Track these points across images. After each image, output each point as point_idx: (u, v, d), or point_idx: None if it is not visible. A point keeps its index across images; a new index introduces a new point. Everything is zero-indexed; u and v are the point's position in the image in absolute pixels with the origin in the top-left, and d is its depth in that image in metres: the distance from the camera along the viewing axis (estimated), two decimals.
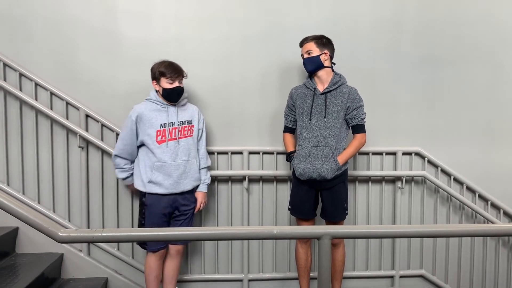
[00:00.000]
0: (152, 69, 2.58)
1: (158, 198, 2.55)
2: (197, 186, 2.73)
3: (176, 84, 2.54)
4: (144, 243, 2.62)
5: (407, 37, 3.10)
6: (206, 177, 2.77)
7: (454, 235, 1.67)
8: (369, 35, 3.07)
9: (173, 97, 2.56)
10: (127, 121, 2.55)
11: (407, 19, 3.09)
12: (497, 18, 3.15)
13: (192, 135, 2.66)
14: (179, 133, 2.59)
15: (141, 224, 2.61)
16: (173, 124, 2.58)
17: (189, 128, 2.65)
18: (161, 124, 2.54)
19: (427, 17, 3.10)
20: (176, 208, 2.62)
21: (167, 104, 2.58)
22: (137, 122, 2.53)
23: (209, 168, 2.83)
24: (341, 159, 2.56)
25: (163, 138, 2.54)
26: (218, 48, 2.99)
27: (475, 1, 3.13)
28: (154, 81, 2.57)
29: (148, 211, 2.56)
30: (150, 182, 2.53)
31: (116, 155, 2.60)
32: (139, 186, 2.58)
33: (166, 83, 2.52)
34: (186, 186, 2.62)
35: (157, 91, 2.59)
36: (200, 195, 2.74)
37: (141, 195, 2.59)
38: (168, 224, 2.62)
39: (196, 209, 2.73)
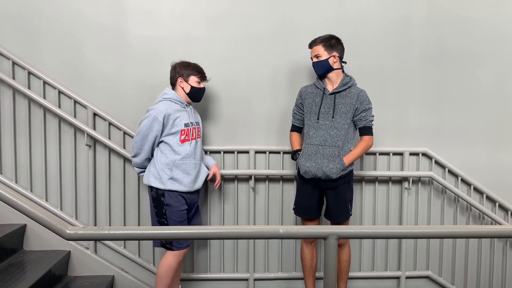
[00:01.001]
0: (177, 66, 2.61)
1: (177, 195, 2.55)
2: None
3: (202, 85, 2.65)
4: (168, 243, 2.56)
5: (415, 37, 3.08)
6: (209, 156, 2.88)
7: (461, 236, 1.66)
8: (376, 33, 3.06)
9: (199, 95, 2.67)
10: (152, 123, 2.47)
11: (415, 18, 3.07)
12: (507, 16, 3.12)
13: (200, 137, 2.73)
14: (196, 133, 2.66)
15: (164, 224, 2.54)
16: (192, 124, 2.64)
17: (199, 129, 2.72)
18: (185, 124, 2.57)
19: (436, 16, 3.08)
20: (189, 205, 2.63)
21: (186, 105, 2.63)
22: (163, 123, 2.50)
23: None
24: (347, 159, 2.55)
25: (187, 137, 2.57)
26: (226, 46, 2.99)
27: None
28: (180, 78, 2.59)
29: (169, 210, 2.53)
30: (171, 179, 2.52)
31: (147, 159, 2.58)
32: (154, 183, 2.53)
33: (195, 82, 2.61)
34: (199, 185, 2.66)
35: (174, 89, 2.62)
36: (214, 166, 2.79)
37: (157, 195, 2.54)
38: (187, 220, 2.63)
39: (217, 183, 2.77)
